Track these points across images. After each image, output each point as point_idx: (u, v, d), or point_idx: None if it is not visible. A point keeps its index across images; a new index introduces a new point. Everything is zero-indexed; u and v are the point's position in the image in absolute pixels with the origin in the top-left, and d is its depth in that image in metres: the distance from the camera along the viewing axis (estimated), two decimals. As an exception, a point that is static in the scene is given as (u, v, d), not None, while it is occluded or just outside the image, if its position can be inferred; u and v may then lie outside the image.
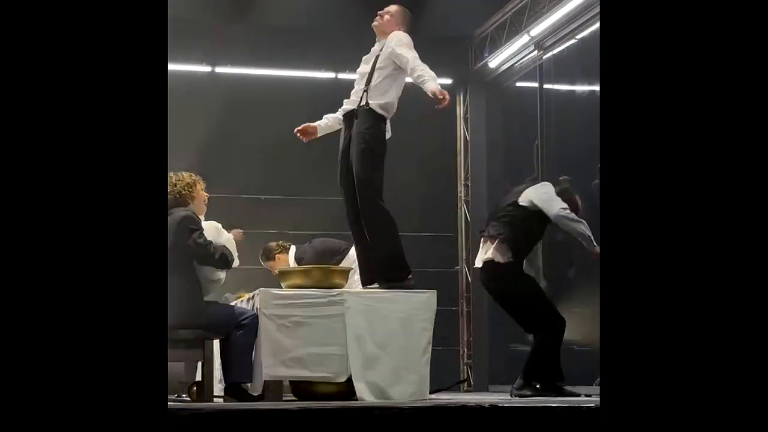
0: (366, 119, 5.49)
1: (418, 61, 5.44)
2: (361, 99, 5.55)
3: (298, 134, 5.84)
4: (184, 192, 5.31)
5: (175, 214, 5.14)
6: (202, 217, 5.40)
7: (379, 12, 5.78)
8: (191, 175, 5.40)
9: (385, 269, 5.47)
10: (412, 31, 5.76)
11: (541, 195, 6.17)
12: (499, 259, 6.15)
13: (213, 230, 5.38)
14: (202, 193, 5.43)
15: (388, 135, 5.60)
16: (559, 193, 6.19)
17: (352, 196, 5.52)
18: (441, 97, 5.27)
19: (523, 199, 6.20)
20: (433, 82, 5.35)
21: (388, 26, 5.71)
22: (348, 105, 5.68)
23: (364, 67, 5.66)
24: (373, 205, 5.45)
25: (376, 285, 5.47)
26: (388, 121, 5.60)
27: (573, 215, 6.04)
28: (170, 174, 5.18)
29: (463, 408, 3.91)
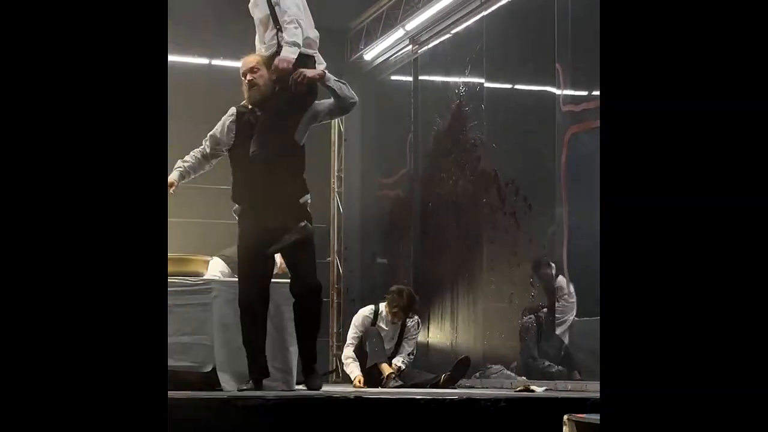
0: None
1: (291, 22, 5.15)
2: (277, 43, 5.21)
3: None
4: None
5: None
6: None
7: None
8: None
9: None
10: None
11: None
12: None
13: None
14: None
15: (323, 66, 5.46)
16: None
17: None
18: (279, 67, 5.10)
19: None
20: (286, 52, 5.12)
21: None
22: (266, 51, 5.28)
23: (259, 12, 5.28)
24: None
25: None
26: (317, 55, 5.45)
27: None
28: None
29: (328, 399, 3.91)
